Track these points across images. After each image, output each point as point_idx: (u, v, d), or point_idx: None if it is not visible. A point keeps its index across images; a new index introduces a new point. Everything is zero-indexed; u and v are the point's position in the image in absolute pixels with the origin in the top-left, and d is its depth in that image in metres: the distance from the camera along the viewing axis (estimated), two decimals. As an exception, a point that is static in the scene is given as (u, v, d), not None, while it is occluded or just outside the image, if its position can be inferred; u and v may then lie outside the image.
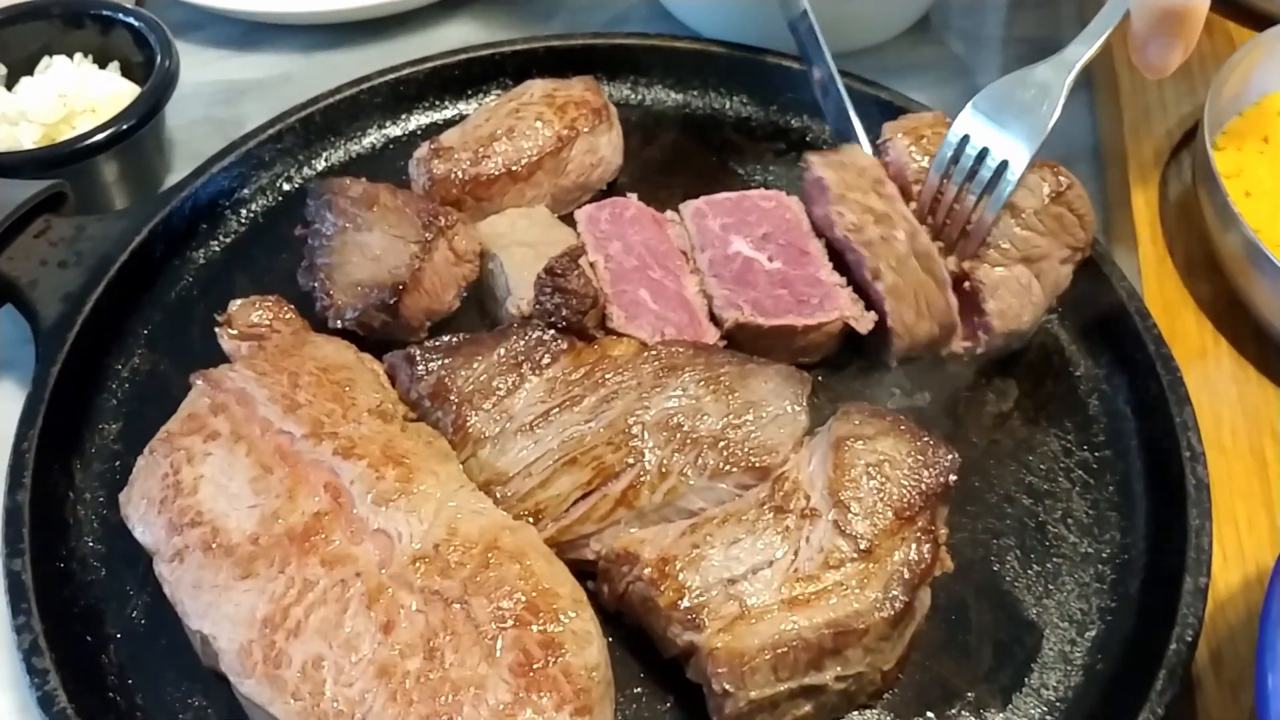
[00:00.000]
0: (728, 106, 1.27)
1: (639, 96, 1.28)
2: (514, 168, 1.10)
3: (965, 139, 1.02)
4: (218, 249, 1.13)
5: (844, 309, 1.01)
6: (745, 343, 1.02)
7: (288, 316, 1.00)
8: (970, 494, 0.97)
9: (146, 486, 0.88)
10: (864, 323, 1.01)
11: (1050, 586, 0.92)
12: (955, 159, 1.03)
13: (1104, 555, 0.93)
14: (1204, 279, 1.13)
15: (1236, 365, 1.06)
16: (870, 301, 1.03)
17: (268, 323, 0.99)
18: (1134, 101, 1.30)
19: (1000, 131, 1.01)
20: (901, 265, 1.01)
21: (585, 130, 1.13)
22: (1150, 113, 1.29)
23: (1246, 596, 0.91)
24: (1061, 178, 1.03)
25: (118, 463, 0.98)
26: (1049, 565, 0.93)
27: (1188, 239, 1.17)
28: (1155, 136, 1.26)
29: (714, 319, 1.03)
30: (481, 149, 1.10)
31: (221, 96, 1.38)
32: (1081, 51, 1.03)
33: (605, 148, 1.15)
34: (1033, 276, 1.03)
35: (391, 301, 0.98)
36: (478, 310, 1.08)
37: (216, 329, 0.99)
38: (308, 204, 1.06)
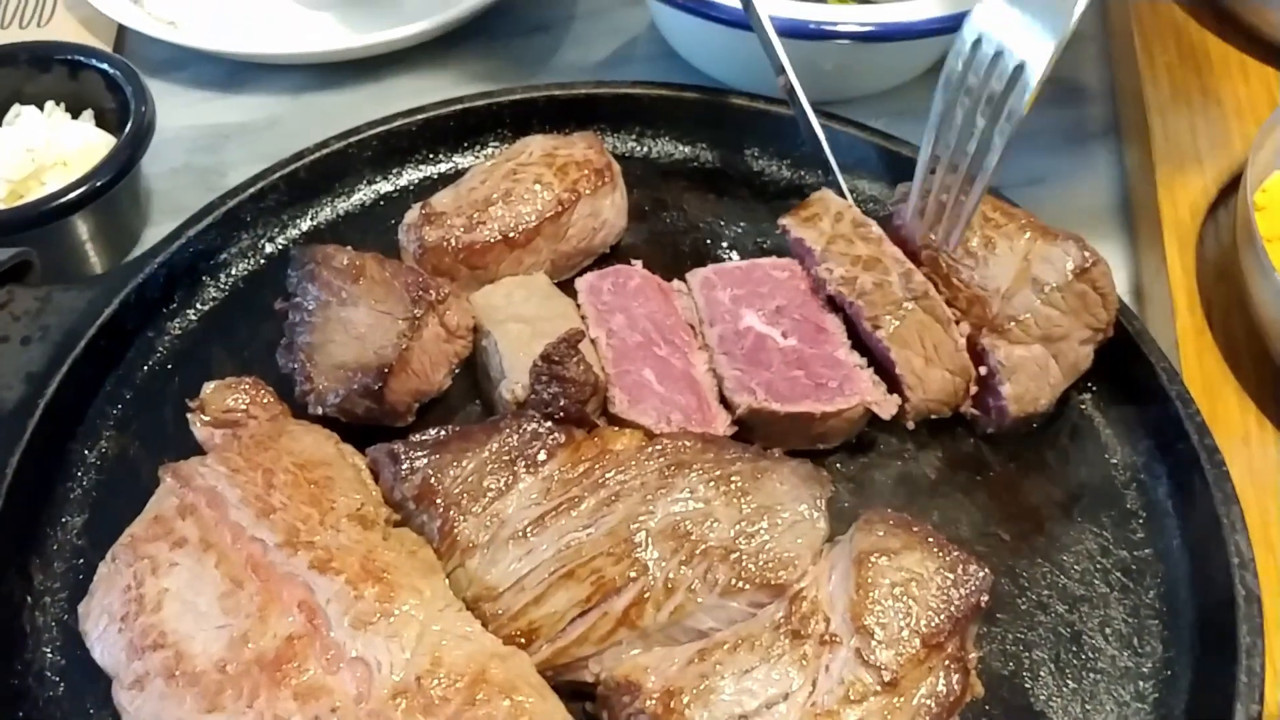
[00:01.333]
0: (739, 160, 1.20)
1: (644, 149, 1.21)
2: (511, 234, 1.02)
3: (979, 41, 0.88)
4: (194, 318, 1.06)
5: (865, 394, 0.94)
6: (759, 428, 0.95)
7: (265, 401, 0.93)
8: (1000, 599, 0.89)
9: (107, 600, 0.81)
10: (886, 408, 0.94)
11: (1088, 706, 0.84)
12: (966, 71, 0.89)
13: (1145, 670, 0.86)
14: (1246, 351, 1.06)
15: (1284, 453, 0.99)
16: (879, 359, 0.97)
17: (244, 408, 0.92)
18: (1167, 153, 1.22)
19: (1015, 29, 0.87)
20: (900, 308, 0.95)
21: (587, 193, 1.05)
22: (1185, 165, 1.21)
23: (1301, 719, 0.84)
24: (1086, 253, 0.96)
25: (81, 560, 0.91)
26: (1086, 681, 0.86)
27: (1226, 305, 1.09)
28: (1191, 192, 1.19)
29: (725, 402, 0.97)
30: (476, 214, 1.02)
31: (204, 142, 1.30)
32: None
33: (608, 210, 1.08)
34: (1050, 357, 0.97)
35: (376, 387, 0.91)
36: (471, 385, 1.02)
37: (189, 415, 0.92)
38: (289, 275, 0.99)
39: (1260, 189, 1.13)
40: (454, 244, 1.01)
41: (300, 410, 0.94)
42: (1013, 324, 0.96)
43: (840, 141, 1.12)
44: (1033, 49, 0.86)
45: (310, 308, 0.96)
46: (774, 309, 1.01)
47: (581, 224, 1.06)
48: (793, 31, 1.12)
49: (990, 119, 0.89)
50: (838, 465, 0.97)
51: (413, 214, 1.04)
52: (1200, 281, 1.12)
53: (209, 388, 0.93)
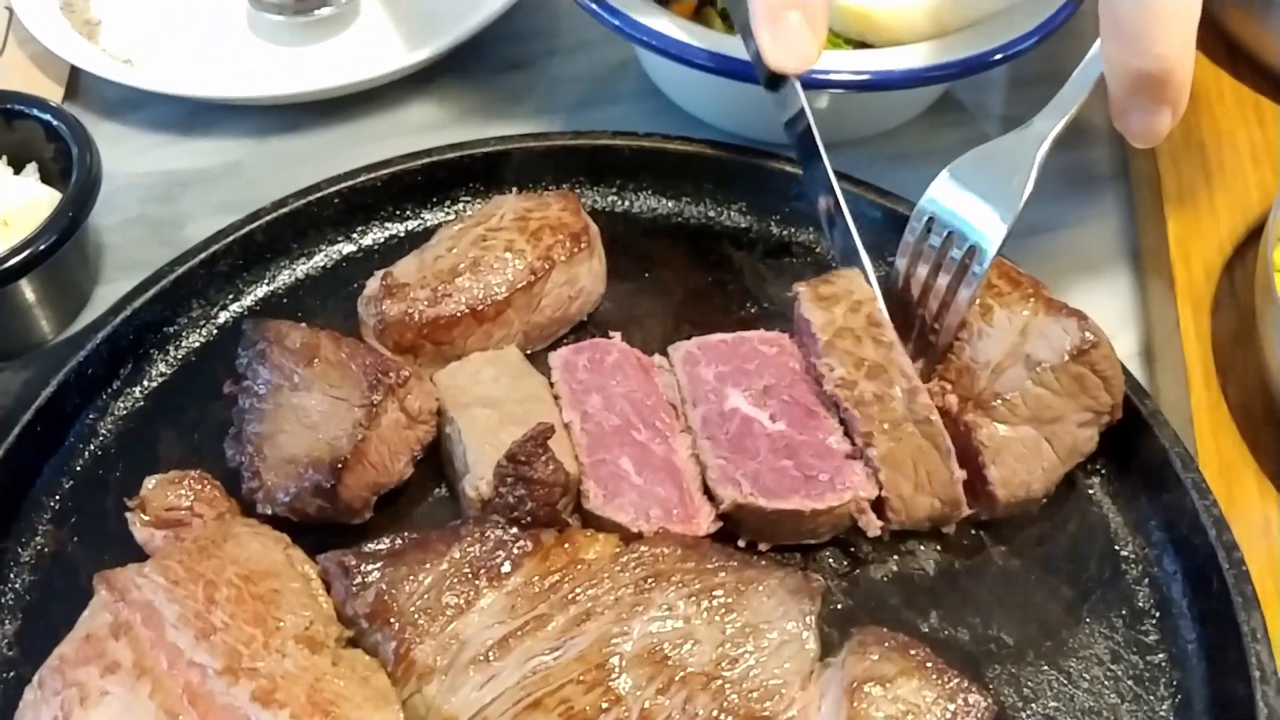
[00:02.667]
0: (725, 216, 1.12)
1: (625, 203, 1.13)
2: (479, 307, 0.95)
3: (931, 221, 0.93)
4: (140, 398, 0.99)
5: (858, 488, 0.87)
6: (745, 521, 0.88)
7: (212, 497, 0.86)
8: (1003, 712, 0.83)
9: (31, 732, 0.74)
10: (872, 524, 0.88)
11: (1097, 836, 0.78)
12: (921, 247, 0.94)
13: (1159, 795, 0.80)
14: (1264, 428, 0.99)
15: (1307, 545, 0.92)
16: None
17: (188, 505, 0.85)
18: (1180, 208, 1.15)
19: (967, 213, 0.92)
20: (898, 429, 0.88)
21: (562, 259, 0.98)
22: (1200, 220, 1.15)
23: None
24: (1088, 334, 0.89)
25: (12, 673, 0.84)
26: (1096, 808, 0.79)
27: (1244, 375, 1.03)
28: (1205, 249, 1.12)
29: (708, 492, 0.90)
30: (441, 286, 0.95)
31: (159, 190, 1.23)
32: (1053, 121, 0.95)
33: (585, 278, 1.01)
34: (1042, 439, 0.90)
35: (329, 485, 0.85)
36: (435, 468, 0.95)
37: (128, 514, 0.85)
38: (239, 355, 0.92)
39: (1278, 246, 1.06)
40: (417, 318, 0.94)
41: (250, 506, 0.87)
42: (999, 402, 0.89)
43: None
44: (983, 234, 0.91)
45: (261, 392, 0.90)
46: (762, 388, 0.94)
47: (556, 293, 0.99)
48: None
49: (949, 290, 0.93)
50: (829, 561, 0.90)
51: (373, 285, 0.97)
52: (1216, 349, 1.05)
53: (150, 483, 0.86)
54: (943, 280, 0.93)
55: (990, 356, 0.92)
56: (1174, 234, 1.13)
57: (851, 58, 1.09)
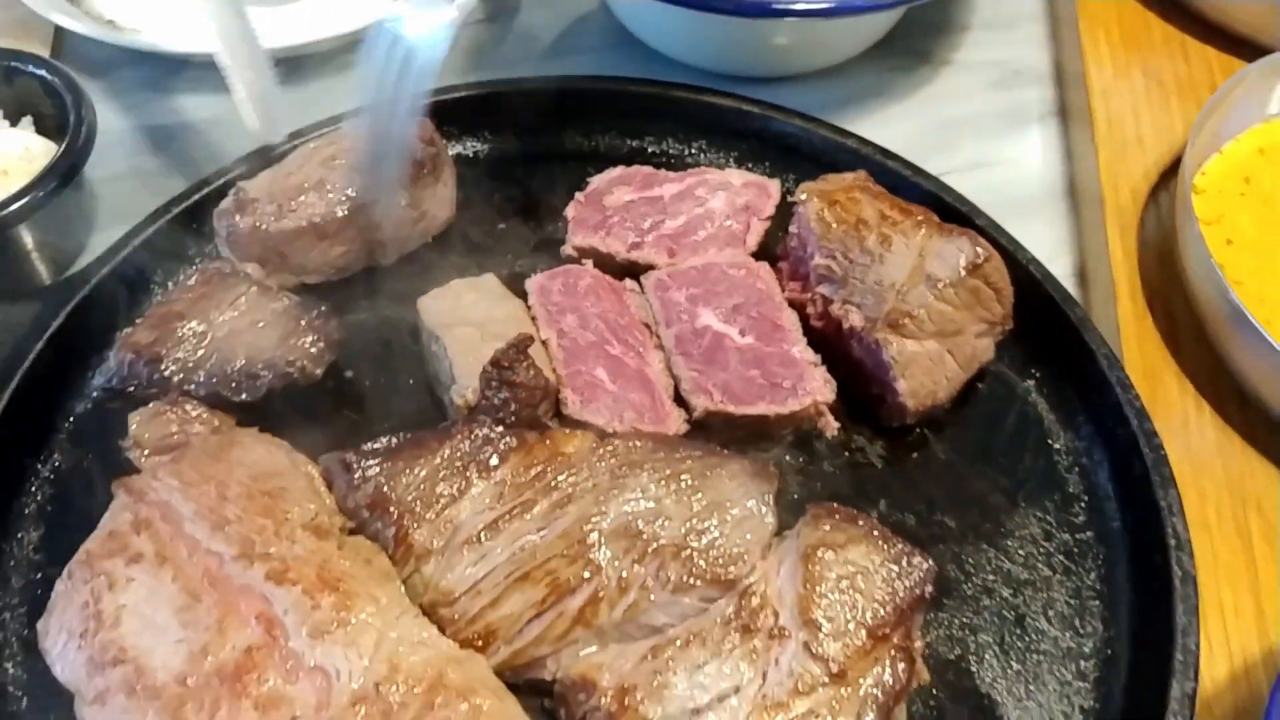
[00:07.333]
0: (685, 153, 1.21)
1: (594, 143, 1.21)
2: (319, 222, 1.03)
3: (381, 34, 0.91)
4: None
5: (817, 393, 0.96)
6: (714, 426, 0.96)
7: (199, 416, 0.92)
8: (946, 586, 0.92)
9: (65, 617, 0.81)
10: (830, 426, 0.97)
11: (1031, 687, 0.87)
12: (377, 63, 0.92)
13: (1086, 650, 0.89)
14: (1185, 334, 1.08)
15: (1221, 434, 1.01)
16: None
17: (176, 431, 0.92)
18: (1109, 137, 1.24)
19: (410, 17, 0.90)
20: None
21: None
22: (1127, 149, 1.24)
23: (1235, 693, 0.87)
24: (979, 249, 0.98)
25: (39, 574, 0.91)
26: (1029, 662, 0.88)
27: (1167, 288, 1.12)
28: (1132, 176, 1.21)
29: (681, 401, 0.98)
30: (287, 202, 1.03)
31: (147, 144, 1.29)
32: None
33: (429, 201, 1.08)
34: (945, 351, 0.98)
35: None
36: (428, 392, 1.02)
37: (128, 454, 0.91)
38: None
39: (1200, 172, 1.15)
40: (263, 229, 1.02)
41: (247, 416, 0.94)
42: (907, 319, 0.97)
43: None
44: (421, 35, 0.90)
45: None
46: (731, 307, 1.02)
47: (398, 214, 1.06)
48: (753, 10, 1.15)
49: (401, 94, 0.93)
50: (787, 458, 0.98)
51: (227, 200, 1.04)
52: (1142, 265, 1.14)
53: (135, 419, 0.91)
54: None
55: (894, 279, 0.99)
56: (1104, 161, 1.22)
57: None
